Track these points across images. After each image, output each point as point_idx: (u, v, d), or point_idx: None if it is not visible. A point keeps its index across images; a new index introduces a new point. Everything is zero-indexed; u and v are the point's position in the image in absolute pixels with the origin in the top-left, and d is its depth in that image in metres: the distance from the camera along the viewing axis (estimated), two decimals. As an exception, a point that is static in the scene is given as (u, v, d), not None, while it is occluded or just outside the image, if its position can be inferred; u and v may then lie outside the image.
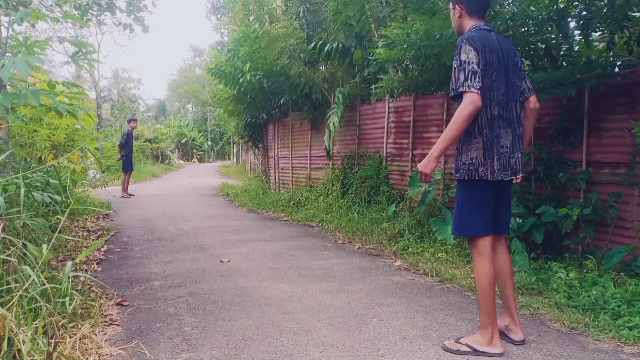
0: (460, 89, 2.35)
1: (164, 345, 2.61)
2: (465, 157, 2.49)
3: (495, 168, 2.45)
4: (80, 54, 3.67)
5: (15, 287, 2.39)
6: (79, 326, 2.55)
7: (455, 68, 2.40)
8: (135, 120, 11.90)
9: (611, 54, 4.47)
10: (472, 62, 2.35)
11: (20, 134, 4.64)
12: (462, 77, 2.35)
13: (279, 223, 7.32)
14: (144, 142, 24.35)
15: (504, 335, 2.66)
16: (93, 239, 5.48)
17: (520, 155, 2.54)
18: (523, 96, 2.62)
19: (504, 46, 2.53)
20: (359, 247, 5.39)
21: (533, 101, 2.66)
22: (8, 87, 3.75)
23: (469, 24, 2.58)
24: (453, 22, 2.69)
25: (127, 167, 11.06)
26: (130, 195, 10.97)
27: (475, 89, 2.31)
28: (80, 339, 2.41)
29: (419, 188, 5.71)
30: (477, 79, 2.33)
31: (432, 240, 5.01)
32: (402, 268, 4.44)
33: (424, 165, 2.45)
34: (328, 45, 7.58)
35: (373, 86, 7.24)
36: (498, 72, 2.44)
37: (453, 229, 2.62)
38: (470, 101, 2.31)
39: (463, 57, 2.37)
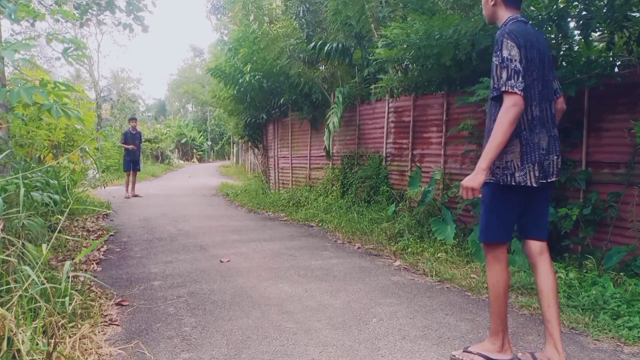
0: (503, 89, 2.16)
1: (164, 345, 2.61)
2: (499, 161, 2.29)
3: (537, 174, 2.27)
4: (71, 50, 3.67)
5: (14, 287, 2.39)
6: (79, 326, 2.55)
7: (496, 65, 2.21)
8: (134, 119, 11.51)
9: (611, 54, 4.48)
10: (515, 60, 2.18)
11: (19, 134, 4.64)
12: (504, 76, 2.17)
13: (279, 223, 7.32)
14: (144, 142, 24.30)
15: None
16: (93, 239, 5.48)
17: (556, 158, 2.35)
18: (555, 96, 2.46)
19: (541, 41, 2.36)
20: (358, 247, 5.39)
21: (561, 102, 2.53)
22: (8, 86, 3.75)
23: (505, 14, 2.38)
24: (485, 10, 2.49)
25: (126, 167, 11.01)
26: (135, 195, 10.93)
27: (519, 89, 2.15)
28: (80, 338, 2.41)
29: (419, 188, 5.72)
30: (519, 78, 2.16)
31: (432, 240, 5.01)
32: (401, 268, 4.44)
33: (471, 180, 2.21)
34: (328, 45, 7.59)
35: (373, 86, 7.25)
36: (538, 69, 2.28)
37: (481, 235, 2.42)
38: (514, 103, 2.14)
39: (505, 53, 2.19)
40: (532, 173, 2.26)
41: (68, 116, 3.34)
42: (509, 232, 2.39)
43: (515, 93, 2.14)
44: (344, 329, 2.86)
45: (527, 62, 2.22)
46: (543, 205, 2.43)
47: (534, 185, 2.27)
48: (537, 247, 2.38)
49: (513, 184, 2.27)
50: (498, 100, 2.24)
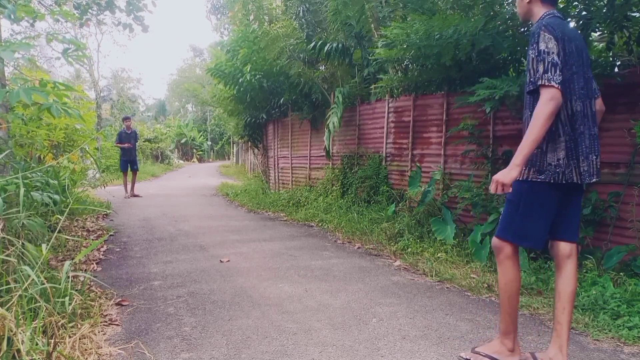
0: (539, 82, 2.09)
1: (164, 345, 2.61)
2: (552, 158, 2.20)
3: (582, 170, 2.19)
4: (71, 50, 3.68)
5: (14, 287, 2.39)
6: (79, 326, 2.55)
7: (532, 58, 2.15)
8: (127, 119, 11.37)
9: (611, 54, 4.48)
10: (552, 53, 2.11)
11: (19, 134, 4.64)
12: (540, 69, 2.10)
13: (279, 223, 7.32)
14: (144, 142, 24.33)
15: None
16: (92, 239, 5.48)
17: (595, 158, 2.25)
18: (595, 94, 2.38)
19: (578, 37, 2.30)
20: (358, 247, 5.39)
21: (600, 103, 2.45)
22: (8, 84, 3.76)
23: (540, 10, 2.33)
24: (519, 7, 2.44)
25: (122, 167, 11.00)
26: (135, 195, 10.93)
27: (556, 83, 2.07)
28: (79, 338, 2.40)
29: (419, 188, 5.72)
30: (557, 71, 2.08)
31: (432, 240, 5.01)
32: (401, 268, 4.44)
33: (504, 175, 2.11)
34: (328, 45, 7.59)
35: (373, 86, 7.25)
36: (577, 63, 2.21)
37: (502, 232, 2.31)
38: (551, 97, 2.06)
39: (542, 46, 2.12)
40: (577, 170, 2.20)
41: (69, 115, 3.35)
42: (544, 235, 2.28)
43: (552, 86, 2.07)
44: (344, 329, 2.85)
45: (565, 56, 2.15)
46: (577, 206, 2.36)
47: (580, 182, 2.21)
48: (566, 249, 2.32)
49: (564, 182, 2.19)
50: (534, 94, 2.17)
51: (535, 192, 2.24)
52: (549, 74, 2.08)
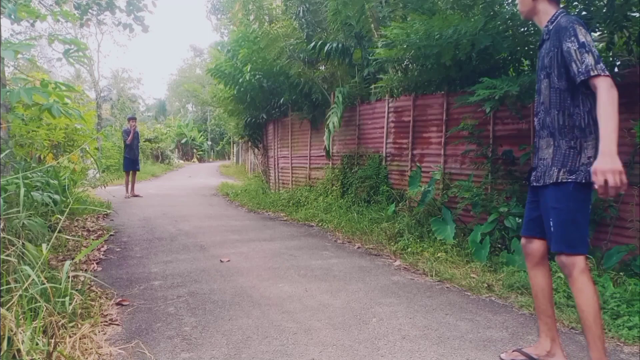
0: (593, 73, 2.02)
1: (164, 345, 2.61)
2: (584, 156, 2.14)
3: None
4: (72, 51, 3.68)
5: (15, 286, 2.40)
6: (79, 326, 2.55)
7: (574, 50, 2.08)
8: (133, 119, 11.48)
9: (610, 54, 4.48)
10: (593, 45, 2.07)
11: (19, 134, 4.64)
12: (591, 60, 2.04)
13: (279, 223, 7.33)
14: (144, 142, 24.34)
15: None
16: (93, 239, 5.48)
17: None
18: None
19: None
20: (358, 247, 5.39)
21: None
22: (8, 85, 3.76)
23: (548, 10, 2.31)
24: (523, 4, 2.40)
25: (126, 166, 11.03)
26: (135, 195, 10.93)
27: (607, 73, 2.03)
28: (80, 338, 2.41)
29: (419, 188, 5.72)
30: (602, 63, 2.05)
31: (432, 240, 5.01)
32: (401, 268, 4.45)
33: (614, 162, 1.94)
34: (328, 45, 7.59)
35: (373, 86, 7.25)
36: None
37: (583, 246, 2.14)
38: (611, 84, 2.01)
39: (582, 38, 2.08)
40: None
41: (69, 116, 3.35)
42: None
43: (608, 75, 2.03)
44: (344, 329, 2.86)
45: None
46: None
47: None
48: (545, 247, 2.36)
49: (590, 181, 2.08)
50: (581, 86, 2.11)
51: (576, 195, 2.15)
52: (601, 64, 2.04)
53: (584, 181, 2.12)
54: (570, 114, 2.18)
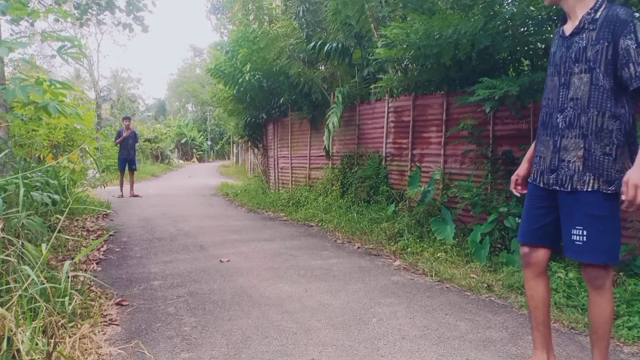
0: None
1: (164, 345, 2.61)
2: (620, 165, 1.97)
3: None
4: (67, 48, 3.66)
5: (14, 286, 2.39)
6: (79, 326, 2.55)
7: (633, 50, 1.87)
8: (126, 118, 11.48)
9: (610, 54, 4.46)
10: None
11: (19, 134, 4.64)
12: None
13: (279, 223, 7.32)
14: (144, 142, 24.33)
15: None
16: (92, 239, 5.48)
17: None
18: None
19: None
20: (358, 247, 5.39)
21: None
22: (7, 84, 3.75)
23: None
24: None
25: (120, 166, 11.08)
26: (134, 195, 10.92)
27: None
28: (79, 338, 2.41)
29: (419, 188, 5.72)
30: None
31: (432, 240, 5.01)
32: (401, 268, 4.44)
33: None
34: (327, 45, 7.59)
35: (372, 86, 7.25)
36: None
37: (616, 259, 2.01)
38: None
39: None
40: None
41: (65, 114, 3.33)
42: None
43: None
44: (344, 329, 2.86)
45: None
46: None
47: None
48: (548, 256, 2.28)
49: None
50: (633, 90, 1.91)
51: (613, 204, 2.00)
52: None
53: (618, 191, 1.96)
54: (612, 116, 1.96)
